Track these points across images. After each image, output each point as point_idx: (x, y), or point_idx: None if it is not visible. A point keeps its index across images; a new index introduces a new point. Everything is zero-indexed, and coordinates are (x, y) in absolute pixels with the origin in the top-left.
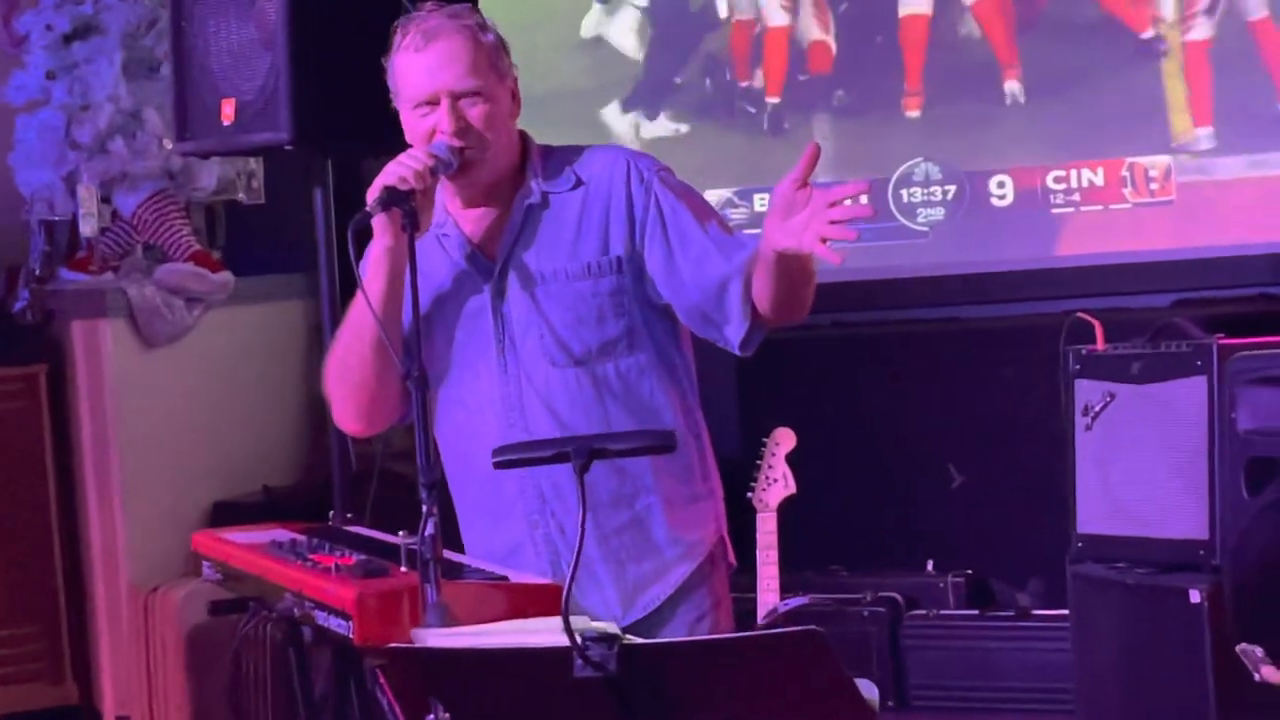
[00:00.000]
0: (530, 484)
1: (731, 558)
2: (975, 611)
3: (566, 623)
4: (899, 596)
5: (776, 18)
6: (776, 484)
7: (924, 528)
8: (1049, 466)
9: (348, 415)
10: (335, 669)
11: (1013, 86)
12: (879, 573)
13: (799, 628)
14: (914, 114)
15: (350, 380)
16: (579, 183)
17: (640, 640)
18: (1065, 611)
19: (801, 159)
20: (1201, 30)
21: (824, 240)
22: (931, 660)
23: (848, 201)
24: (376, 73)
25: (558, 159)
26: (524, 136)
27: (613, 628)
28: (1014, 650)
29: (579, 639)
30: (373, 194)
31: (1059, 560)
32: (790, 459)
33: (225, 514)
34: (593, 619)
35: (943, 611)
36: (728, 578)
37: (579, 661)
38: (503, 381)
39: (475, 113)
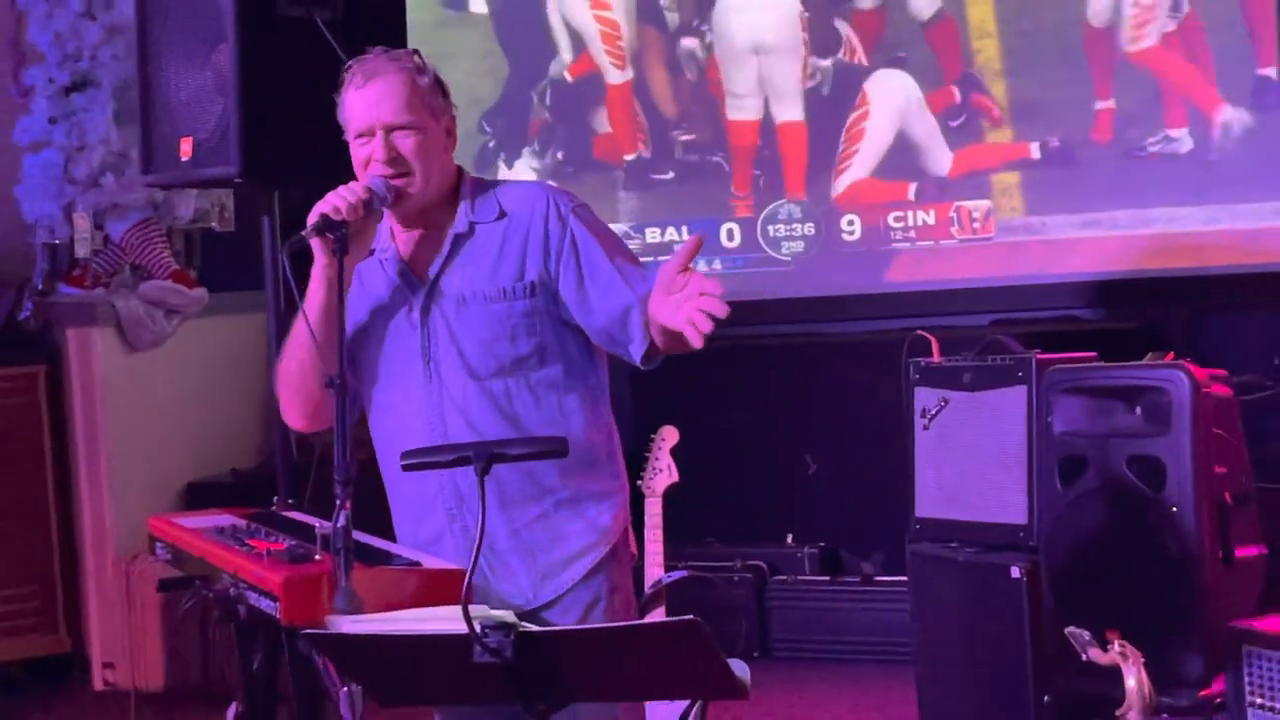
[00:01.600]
0: (449, 482)
1: (633, 547)
2: (827, 577)
3: (466, 613)
4: (764, 564)
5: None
6: (662, 473)
7: (785, 507)
8: (892, 460)
9: (293, 415)
10: (269, 641)
11: None
12: (747, 545)
13: (681, 619)
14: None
15: (292, 384)
16: (502, 214)
17: (536, 629)
18: (903, 579)
19: (683, 247)
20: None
21: (692, 322)
22: (791, 618)
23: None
24: (317, 115)
25: (487, 191)
26: (460, 170)
27: (510, 616)
28: (860, 610)
29: (478, 628)
30: (311, 220)
31: (898, 537)
32: (674, 452)
33: (198, 492)
34: (505, 603)
35: (800, 577)
36: (629, 567)
37: (477, 648)
38: (426, 391)
39: (407, 144)
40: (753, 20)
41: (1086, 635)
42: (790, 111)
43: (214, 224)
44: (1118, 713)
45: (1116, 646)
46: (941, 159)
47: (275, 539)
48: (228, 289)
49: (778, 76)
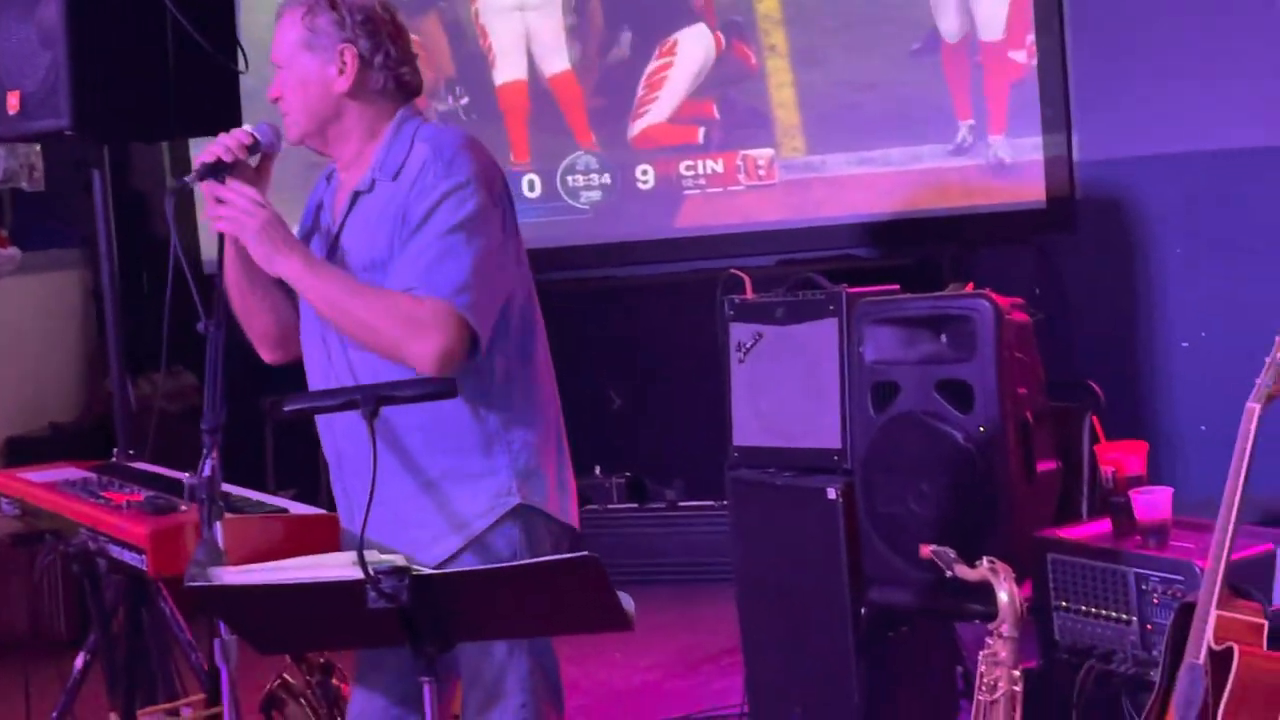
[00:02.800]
0: (331, 445)
1: (570, 519)
2: (635, 505)
3: (361, 558)
4: None
5: None
6: None
7: (592, 441)
8: (690, 392)
9: (262, 348)
10: (127, 594)
11: None
12: None
13: (577, 554)
14: None
15: (248, 321)
16: (398, 173)
17: (431, 570)
18: (707, 503)
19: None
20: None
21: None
22: (603, 545)
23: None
24: (147, 67)
25: (409, 141)
26: (400, 112)
27: (402, 560)
28: (666, 534)
29: (372, 572)
30: (195, 165)
31: (699, 464)
32: None
33: (18, 447)
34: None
35: (609, 506)
36: (544, 527)
37: (372, 594)
38: (324, 353)
39: (285, 85)
40: None
41: (951, 553)
42: (558, 63)
43: (23, 184)
44: (991, 626)
45: (985, 563)
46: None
47: (131, 490)
48: (40, 248)
49: (543, 31)
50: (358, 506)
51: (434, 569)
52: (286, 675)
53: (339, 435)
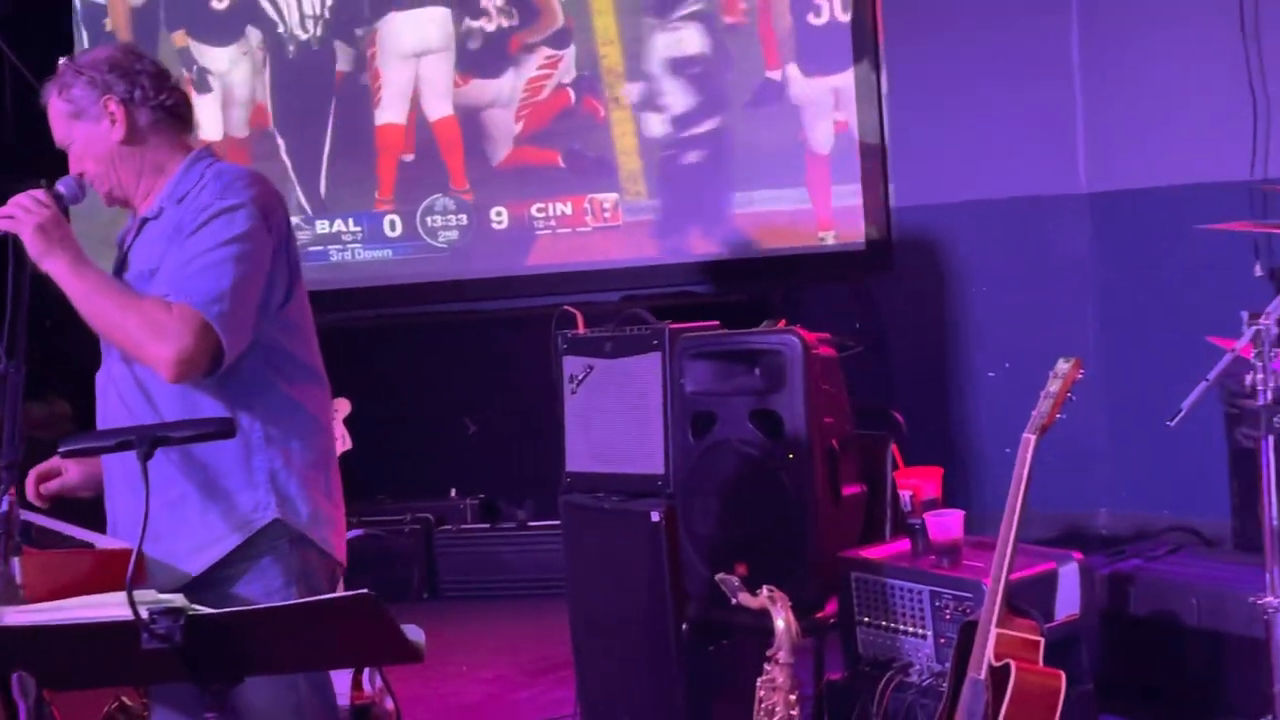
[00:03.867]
0: (105, 473)
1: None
2: (487, 525)
3: (130, 599)
4: (430, 516)
5: None
6: (337, 441)
7: (448, 465)
8: (538, 420)
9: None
10: None
11: None
12: (415, 500)
13: (353, 594)
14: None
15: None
16: (182, 200)
17: (207, 610)
18: (555, 523)
19: None
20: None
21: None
22: (456, 561)
23: None
24: None
25: (196, 176)
26: (198, 155)
27: (180, 600)
28: (516, 551)
29: (144, 614)
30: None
31: (547, 486)
32: (348, 421)
33: None
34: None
35: (463, 526)
36: (315, 557)
37: (145, 635)
38: (106, 368)
39: (77, 154)
40: (418, 29)
41: (736, 581)
42: (443, 108)
43: None
44: (769, 652)
45: (765, 591)
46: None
47: None
48: None
49: (435, 78)
50: (120, 524)
51: (197, 577)
52: (125, 698)
53: (108, 463)
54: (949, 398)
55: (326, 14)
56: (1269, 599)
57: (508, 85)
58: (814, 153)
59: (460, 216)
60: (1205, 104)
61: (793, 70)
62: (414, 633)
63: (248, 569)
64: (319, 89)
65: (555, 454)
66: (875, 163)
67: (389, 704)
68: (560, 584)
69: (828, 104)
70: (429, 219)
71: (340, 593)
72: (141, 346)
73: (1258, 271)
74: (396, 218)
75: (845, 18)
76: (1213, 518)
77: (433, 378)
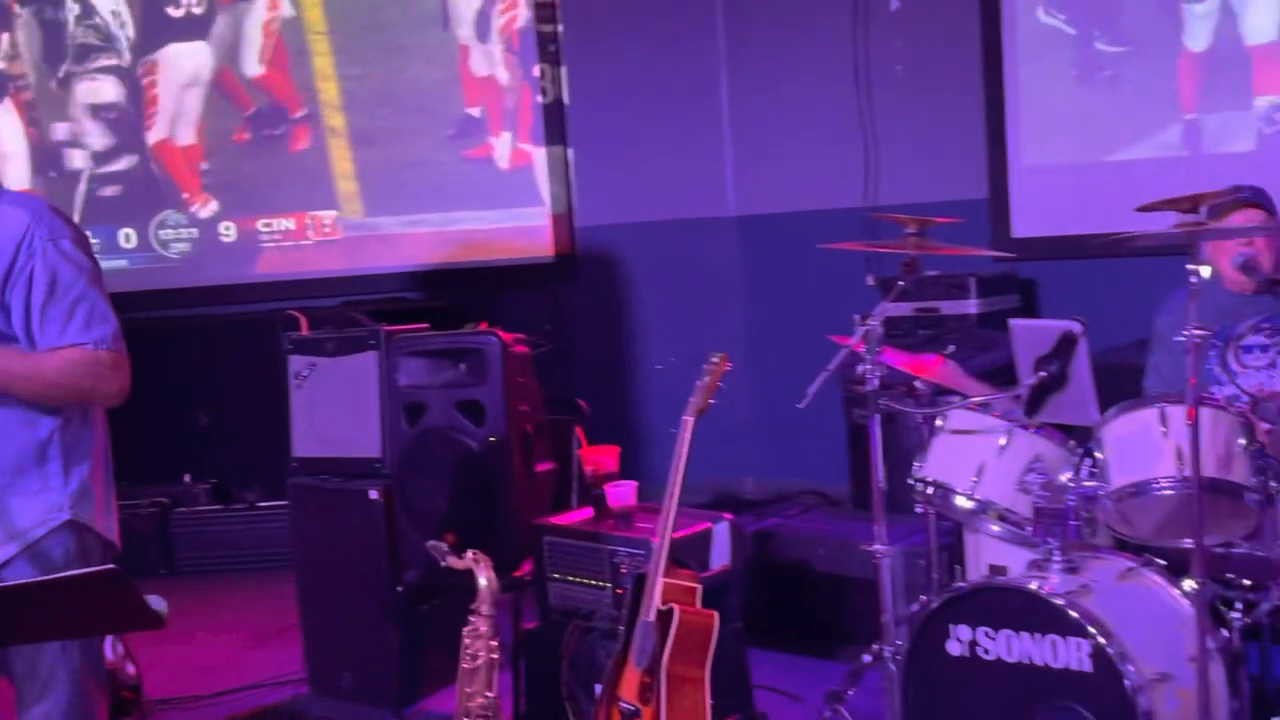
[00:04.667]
0: None
1: (99, 527)
2: (220, 506)
3: None
4: (167, 499)
5: None
6: None
7: (183, 454)
8: (265, 412)
9: None
10: None
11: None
12: (152, 485)
13: (102, 569)
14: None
15: None
16: None
17: None
18: (283, 502)
19: None
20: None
21: None
22: (192, 540)
23: None
24: None
25: None
26: None
27: None
28: (246, 530)
29: None
30: None
31: (274, 469)
32: None
33: None
34: None
35: (198, 508)
36: (95, 553)
37: None
38: None
39: None
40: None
41: (445, 547)
42: (190, 135)
43: None
44: (473, 605)
45: (470, 554)
46: None
47: None
48: None
49: (191, 106)
50: None
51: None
52: None
53: None
54: (625, 387)
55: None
56: (878, 547)
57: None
58: (513, 177)
59: (191, 230)
60: (828, 141)
61: (489, 110)
62: (157, 602)
63: (30, 556)
64: None
65: (282, 442)
66: (561, 187)
67: (130, 669)
68: (287, 558)
69: (520, 135)
70: (160, 233)
71: (90, 569)
72: (93, 393)
73: (869, 282)
74: (131, 230)
75: (536, 80)
76: (836, 483)
77: (166, 376)
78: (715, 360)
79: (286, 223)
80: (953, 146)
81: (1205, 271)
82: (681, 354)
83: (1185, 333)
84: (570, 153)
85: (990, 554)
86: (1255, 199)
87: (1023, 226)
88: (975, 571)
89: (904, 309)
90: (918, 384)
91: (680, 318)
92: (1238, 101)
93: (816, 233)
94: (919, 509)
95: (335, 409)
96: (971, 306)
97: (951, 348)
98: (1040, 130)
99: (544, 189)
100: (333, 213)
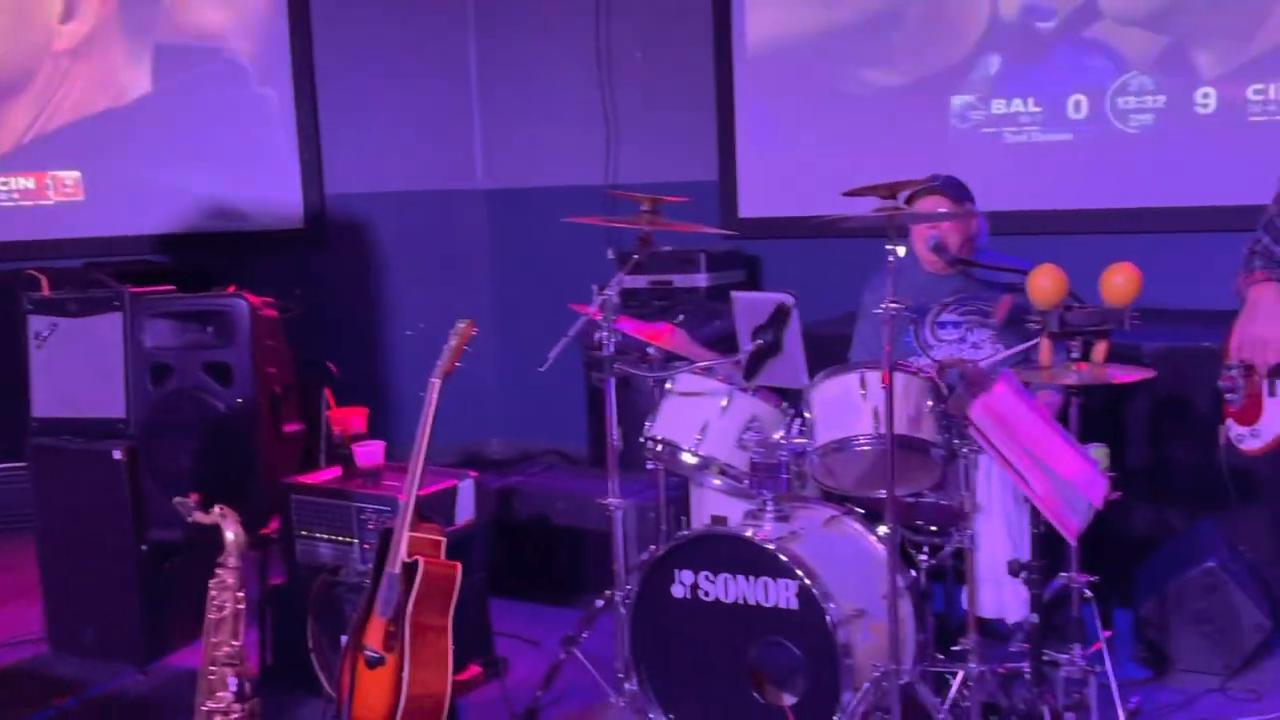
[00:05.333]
0: None
1: None
2: None
3: None
4: None
5: None
6: None
7: None
8: (9, 373)
9: None
10: None
11: None
12: None
13: None
14: None
15: None
16: None
17: None
18: (21, 464)
19: None
20: None
21: None
22: None
23: None
24: None
25: None
26: None
27: None
28: None
29: None
30: None
31: (12, 431)
32: None
33: None
34: None
35: None
36: None
37: None
38: None
39: None
40: None
41: (191, 503)
42: None
43: None
44: (220, 559)
45: (217, 509)
46: None
47: None
48: None
49: None
50: None
51: None
52: None
53: None
54: (375, 352)
55: None
56: (611, 501)
57: None
58: (262, 141)
59: None
60: (573, 121)
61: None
62: None
63: None
64: None
65: (20, 403)
66: (312, 155)
67: None
68: (28, 519)
69: (274, 106)
70: None
71: None
72: None
73: (609, 255)
74: None
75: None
76: (576, 443)
77: None
78: (462, 326)
79: (25, 181)
80: (686, 131)
81: (901, 251)
82: (430, 321)
83: (883, 306)
84: (320, 121)
85: (713, 505)
86: (943, 187)
87: (749, 207)
88: (699, 522)
89: (640, 281)
90: (650, 350)
91: (430, 286)
92: (939, 104)
93: (561, 207)
94: (650, 465)
95: (78, 370)
96: (701, 280)
97: (681, 317)
98: (766, 118)
99: (293, 156)
100: (75, 172)
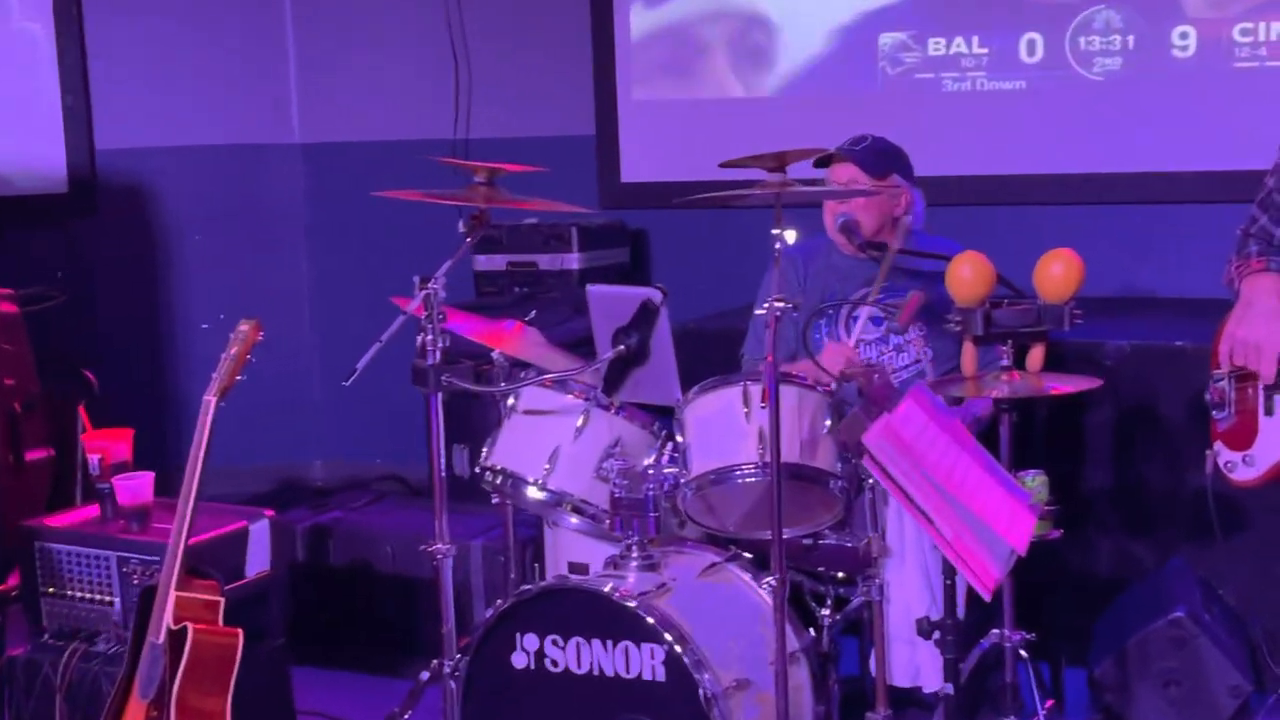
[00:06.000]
0: None
1: None
2: None
3: None
4: None
5: None
6: None
7: None
8: None
9: None
10: None
11: None
12: None
13: None
14: None
15: None
16: None
17: None
18: None
19: None
20: None
21: None
22: None
23: None
24: None
25: None
26: None
27: None
28: None
29: None
30: None
31: None
32: None
33: None
34: None
35: None
36: None
37: None
38: None
39: None
40: None
41: None
42: None
43: None
44: None
45: None
46: None
47: None
48: None
49: None
50: None
51: None
52: None
53: None
54: (160, 350)
55: None
56: (437, 545)
57: None
58: (16, 83)
59: None
60: (413, 66)
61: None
62: None
63: None
64: None
65: None
66: (80, 101)
67: None
68: None
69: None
70: None
71: None
72: None
73: (461, 228)
74: None
75: None
76: (420, 466)
77: None
78: (245, 328)
79: None
80: (557, 74)
81: (790, 237)
82: (232, 311)
83: (765, 305)
84: (90, 58)
85: (571, 550)
86: (859, 155)
87: (634, 168)
88: (555, 570)
89: (497, 263)
90: (496, 356)
91: (231, 267)
92: (864, 43)
93: (399, 167)
94: (496, 499)
95: None
96: (573, 261)
97: (534, 312)
98: (656, 58)
99: (55, 101)
100: None
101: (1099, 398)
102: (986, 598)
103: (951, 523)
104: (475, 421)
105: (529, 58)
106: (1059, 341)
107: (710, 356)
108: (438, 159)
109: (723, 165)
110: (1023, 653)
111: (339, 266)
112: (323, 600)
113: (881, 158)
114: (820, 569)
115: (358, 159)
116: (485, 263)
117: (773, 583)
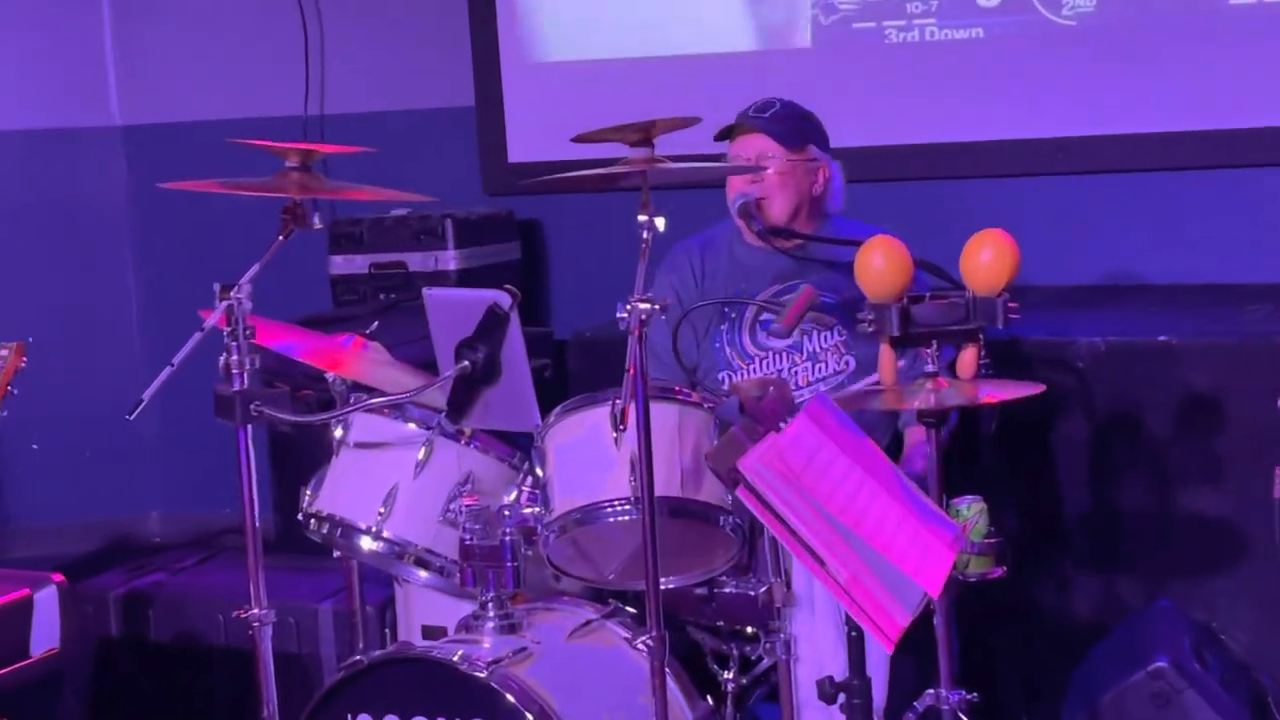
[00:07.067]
0: None
1: None
2: None
3: None
4: None
5: None
6: None
7: None
8: None
9: None
10: None
11: None
12: None
13: None
14: None
15: None
16: None
17: None
18: None
19: None
20: None
21: None
22: None
23: None
24: None
25: None
26: None
27: None
28: None
29: None
30: None
31: None
32: None
33: None
34: None
35: None
36: None
37: None
38: None
39: None
40: None
41: None
42: None
43: None
44: None
45: None
46: None
47: None
48: None
49: None
50: None
51: None
52: None
53: None
54: None
55: None
56: (253, 611)
57: None
58: None
59: None
60: (256, 38)
61: None
62: None
63: None
64: None
65: None
66: None
67: None
68: None
69: None
70: None
71: None
72: None
73: (315, 223)
74: None
75: None
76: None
77: None
78: (4, 353)
79: None
80: (430, 35)
81: (660, 224)
82: (37, 326)
83: (627, 308)
84: None
85: (425, 611)
86: (767, 123)
87: (522, 146)
88: (409, 635)
89: (358, 265)
90: (331, 379)
91: (39, 273)
92: None
93: (240, 151)
94: (337, 554)
95: None
96: (449, 260)
97: (375, 324)
98: (551, 13)
99: None
100: None
101: (1070, 406)
102: (888, 650)
103: (847, 563)
104: (324, 459)
105: (395, 14)
106: (1020, 340)
107: (615, 371)
108: (238, 140)
109: (576, 140)
110: (962, 717)
111: (167, 272)
112: (138, 682)
113: (797, 126)
114: (719, 623)
115: (189, 143)
116: (343, 265)
117: (649, 642)
